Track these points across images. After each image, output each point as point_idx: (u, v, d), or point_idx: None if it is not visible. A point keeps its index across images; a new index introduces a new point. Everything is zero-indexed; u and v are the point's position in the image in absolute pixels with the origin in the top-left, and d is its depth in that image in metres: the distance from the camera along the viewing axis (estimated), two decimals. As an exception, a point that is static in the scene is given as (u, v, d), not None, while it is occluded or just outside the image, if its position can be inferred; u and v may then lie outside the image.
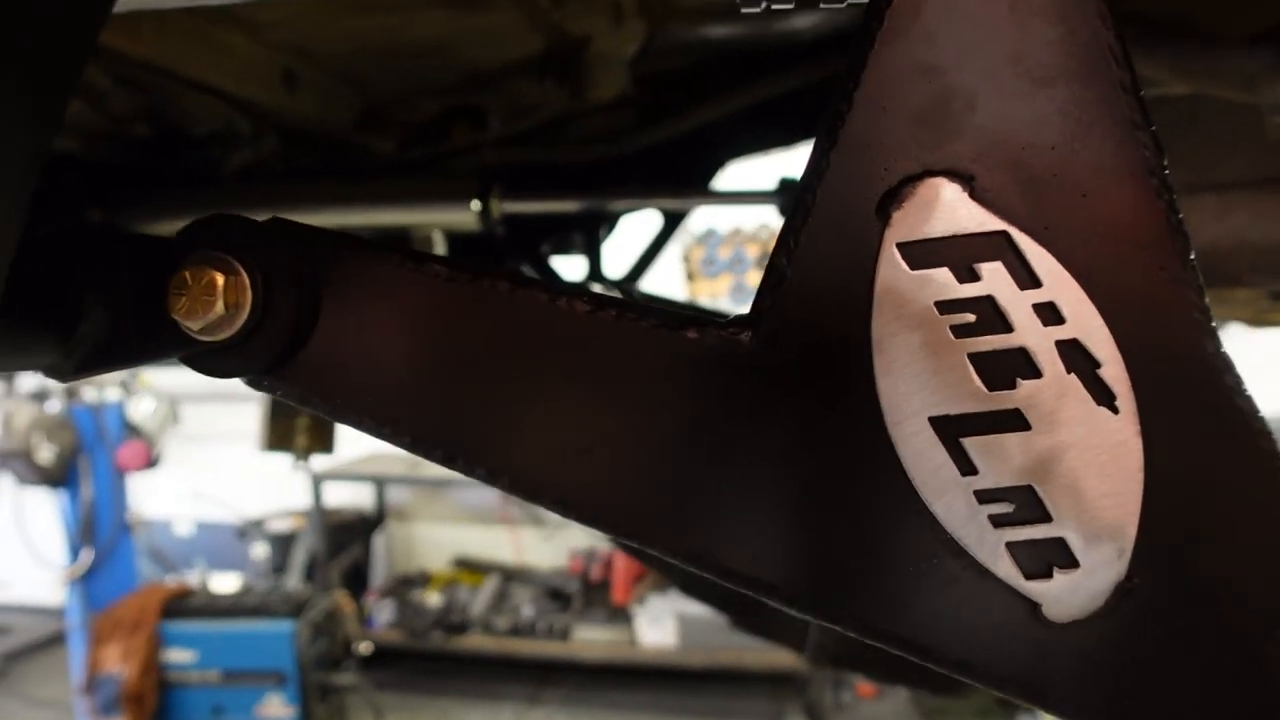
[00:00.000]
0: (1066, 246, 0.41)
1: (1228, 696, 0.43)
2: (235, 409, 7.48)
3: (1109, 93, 0.41)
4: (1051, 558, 0.42)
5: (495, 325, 0.46)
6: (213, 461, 7.46)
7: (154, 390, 5.66)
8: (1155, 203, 0.41)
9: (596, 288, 1.90)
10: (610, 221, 2.03)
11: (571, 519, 0.45)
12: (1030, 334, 0.41)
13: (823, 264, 0.43)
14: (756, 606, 1.90)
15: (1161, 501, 0.41)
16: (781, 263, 0.43)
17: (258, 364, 0.46)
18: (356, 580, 6.89)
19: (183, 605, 5.25)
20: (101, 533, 5.43)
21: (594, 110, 1.66)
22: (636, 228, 1.98)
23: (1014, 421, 0.41)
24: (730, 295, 6.01)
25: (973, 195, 0.41)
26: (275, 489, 7.12)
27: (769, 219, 5.80)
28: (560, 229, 1.94)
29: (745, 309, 0.45)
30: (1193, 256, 0.41)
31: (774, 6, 0.47)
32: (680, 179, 1.71)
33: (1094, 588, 0.42)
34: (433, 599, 6.73)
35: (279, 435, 2.03)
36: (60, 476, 5.34)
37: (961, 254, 0.41)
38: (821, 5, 0.48)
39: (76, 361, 0.47)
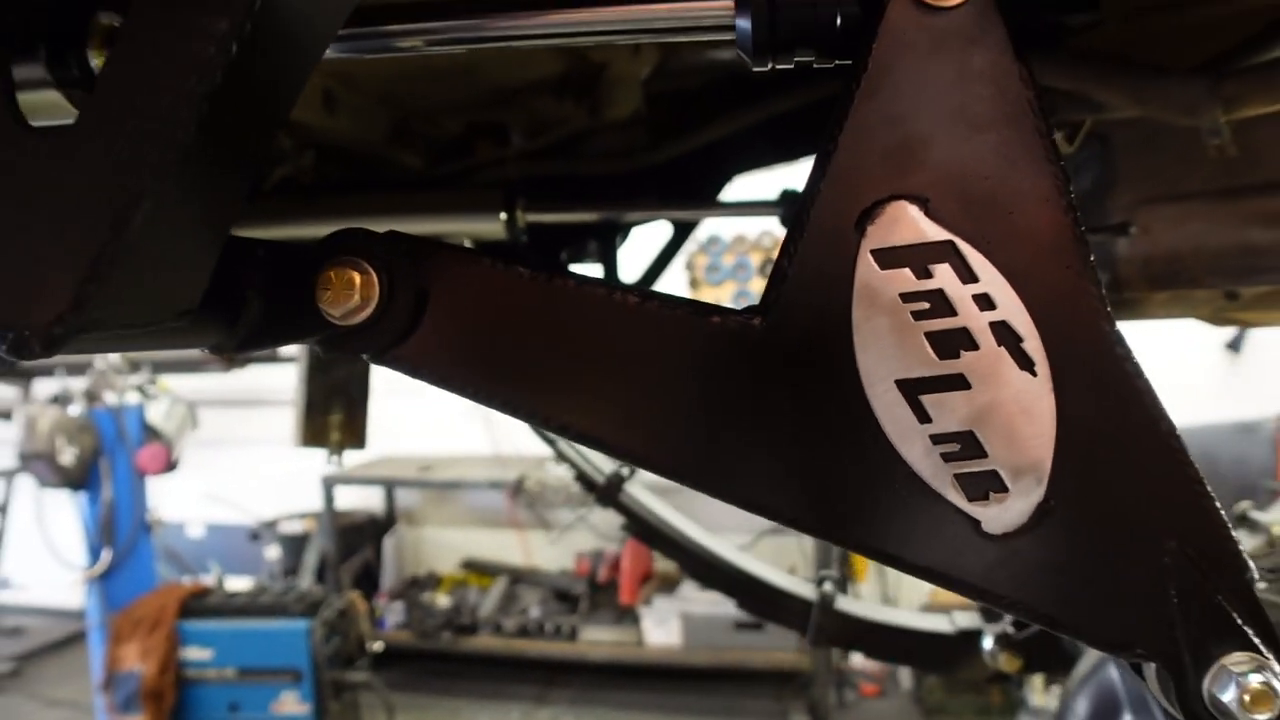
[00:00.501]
0: (998, 251, 0.55)
1: (1127, 589, 0.56)
2: (249, 414, 7.63)
3: (1029, 136, 0.55)
4: (988, 485, 0.56)
5: (564, 312, 0.60)
6: (226, 465, 7.59)
7: (172, 394, 5.78)
8: (1064, 218, 0.55)
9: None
10: (625, 231, 2.17)
11: (629, 463, 0.59)
12: (970, 317, 0.55)
13: (815, 266, 0.57)
14: (759, 590, 2.02)
15: (1070, 442, 0.55)
16: (784, 264, 0.57)
17: (380, 344, 0.60)
18: (367, 582, 6.98)
19: (200, 604, 5.32)
20: (121, 534, 5.53)
21: (610, 127, 1.78)
22: (648, 236, 2.12)
23: (958, 382, 0.55)
24: (733, 302, 6.12)
25: (927, 214, 0.55)
26: (287, 492, 7.26)
27: (772, 227, 5.93)
28: (578, 238, 2.07)
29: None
30: (1092, 258, 0.55)
31: (778, 67, 0.61)
32: (691, 191, 1.84)
33: (1020, 508, 0.56)
34: (442, 600, 6.83)
35: (313, 432, 2.16)
36: (81, 479, 5.44)
37: (919, 258, 0.55)
38: (815, 65, 0.61)
39: (238, 342, 0.61)
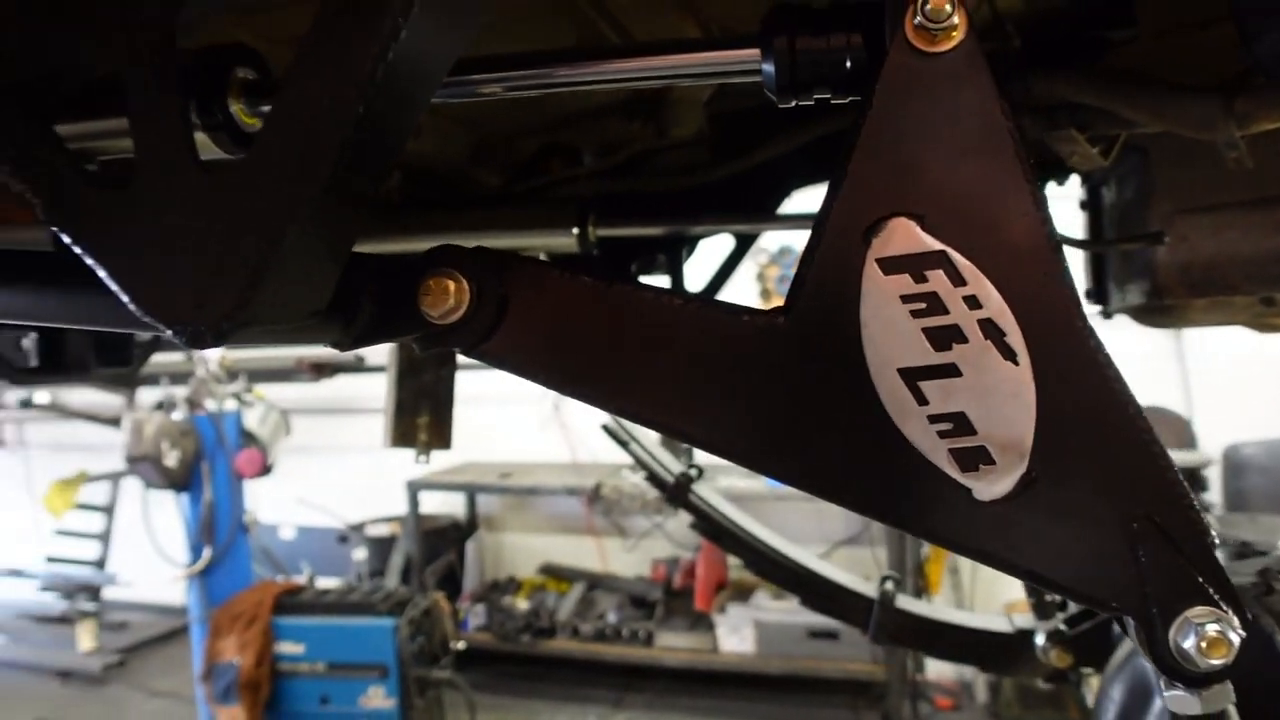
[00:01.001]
0: (983, 259, 0.65)
1: (1101, 551, 0.65)
2: (339, 422, 7.93)
3: (1009, 161, 0.64)
4: (978, 459, 0.66)
5: (620, 314, 0.71)
6: (317, 470, 7.89)
7: (267, 401, 6.07)
8: (1039, 230, 0.64)
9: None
10: (691, 243, 2.28)
11: (677, 440, 0.70)
12: (960, 315, 0.65)
13: (829, 272, 0.67)
14: (821, 587, 2.10)
15: (1048, 421, 0.65)
16: (804, 271, 0.68)
17: (469, 340, 0.73)
18: (450, 585, 7.16)
19: (293, 601, 5.50)
20: (220, 533, 5.81)
21: (675, 146, 1.89)
22: (714, 248, 2.23)
23: (951, 370, 0.65)
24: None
25: (923, 227, 0.65)
26: (374, 497, 7.52)
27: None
28: (646, 251, 2.19)
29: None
30: (1066, 264, 0.64)
31: (800, 103, 0.72)
32: (751, 205, 1.95)
33: (1006, 479, 0.65)
34: (521, 604, 6.97)
35: (402, 432, 2.31)
36: (184, 481, 5.72)
37: (916, 265, 0.65)
38: (832, 101, 0.72)
39: (352, 339, 0.74)
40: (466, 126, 1.89)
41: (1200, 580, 0.64)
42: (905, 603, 2.08)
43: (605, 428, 2.23)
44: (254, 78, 0.75)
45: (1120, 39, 1.34)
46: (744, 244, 2.06)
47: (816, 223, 0.68)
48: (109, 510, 8.55)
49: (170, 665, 7.66)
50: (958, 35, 0.64)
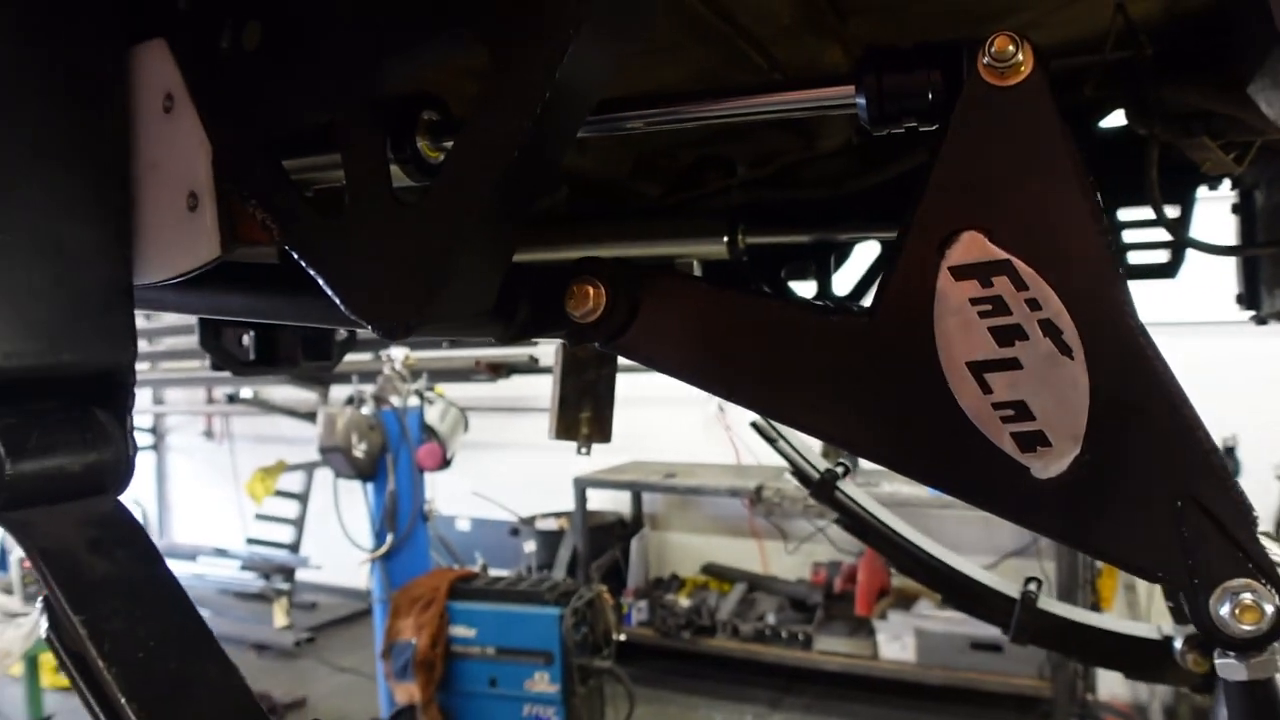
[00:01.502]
0: (1044, 267, 0.74)
1: (1148, 527, 0.74)
2: (512, 420, 8.33)
3: (1069, 180, 0.74)
4: (1036, 441, 0.75)
5: (732, 315, 0.85)
6: (491, 465, 8.31)
7: (447, 399, 6.48)
8: (1095, 241, 0.73)
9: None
10: (842, 251, 2.37)
11: (800, 430, 0.83)
12: (1022, 316, 0.74)
13: (908, 278, 0.78)
14: (964, 586, 2.15)
15: (1100, 409, 0.73)
16: (887, 277, 0.79)
17: (606, 335, 0.88)
18: (615, 579, 7.39)
19: (466, 587, 5.83)
20: (402, 521, 6.23)
21: (824, 156, 2.00)
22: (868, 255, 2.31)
23: (1013, 364, 0.75)
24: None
25: (991, 239, 0.75)
26: (544, 492, 7.87)
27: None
28: (796, 257, 2.30)
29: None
30: (1119, 269, 0.73)
31: (893, 132, 0.83)
32: (896, 213, 2.01)
33: (1061, 460, 0.75)
34: (683, 601, 7.13)
35: (565, 426, 2.50)
36: (370, 471, 6.18)
37: (983, 272, 0.75)
38: (920, 129, 0.83)
39: (512, 335, 0.91)
40: (627, 144, 2.03)
41: (1240, 555, 0.71)
42: (1047, 604, 2.10)
43: (754, 425, 2.34)
44: (437, 118, 0.93)
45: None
46: (889, 249, 2.14)
47: (899, 234, 0.79)
48: (303, 498, 9.27)
49: (354, 644, 8.25)
50: (1024, 70, 0.74)
